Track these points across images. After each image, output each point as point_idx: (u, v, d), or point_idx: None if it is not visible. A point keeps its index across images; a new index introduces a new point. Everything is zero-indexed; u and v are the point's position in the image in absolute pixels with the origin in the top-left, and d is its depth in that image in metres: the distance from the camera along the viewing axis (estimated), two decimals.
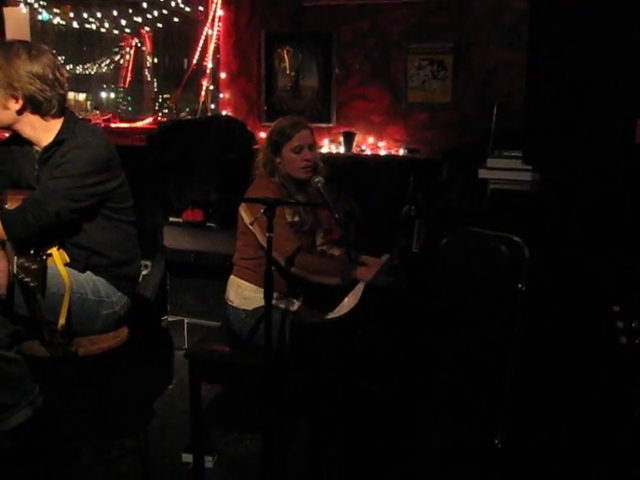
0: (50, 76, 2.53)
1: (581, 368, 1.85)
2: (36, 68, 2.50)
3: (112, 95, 7.55)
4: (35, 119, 2.58)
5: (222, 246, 4.20)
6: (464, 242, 1.73)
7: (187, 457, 3.01)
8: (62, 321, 2.47)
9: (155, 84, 6.84)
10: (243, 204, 2.95)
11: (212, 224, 4.40)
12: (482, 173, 2.31)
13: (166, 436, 3.27)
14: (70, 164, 2.50)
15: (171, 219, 4.47)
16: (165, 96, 6.61)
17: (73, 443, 3.08)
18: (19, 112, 2.54)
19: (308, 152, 2.96)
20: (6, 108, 2.53)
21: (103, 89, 7.35)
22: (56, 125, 2.61)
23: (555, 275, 1.85)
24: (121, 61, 7.18)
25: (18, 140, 2.69)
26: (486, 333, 1.73)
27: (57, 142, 2.58)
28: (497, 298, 1.70)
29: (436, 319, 1.79)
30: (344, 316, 2.12)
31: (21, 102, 2.52)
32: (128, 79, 7.17)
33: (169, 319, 4.44)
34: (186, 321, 4.42)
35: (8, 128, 2.64)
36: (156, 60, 6.68)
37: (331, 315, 2.48)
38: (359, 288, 2.81)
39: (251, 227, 2.90)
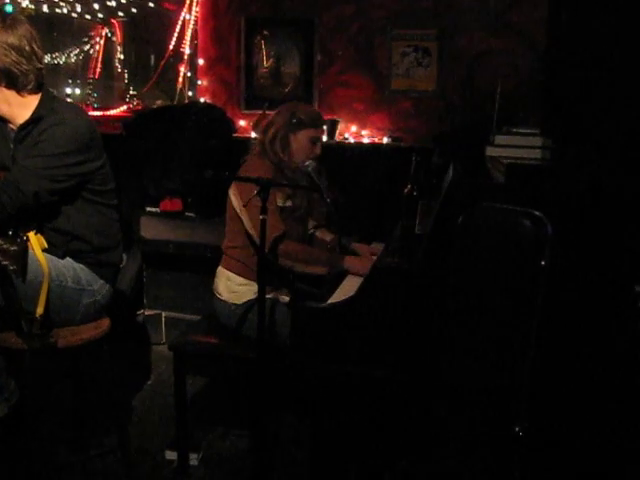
0: (27, 48, 2.37)
1: (603, 350, 1.76)
2: (11, 39, 2.33)
3: (77, 91, 7.23)
4: (10, 94, 2.42)
5: (202, 236, 4.09)
6: (483, 218, 1.63)
7: (171, 454, 2.90)
8: (40, 310, 2.31)
9: (126, 76, 6.60)
10: (233, 187, 2.85)
11: (191, 214, 4.28)
12: (490, 151, 2.23)
13: (147, 433, 3.14)
14: (49, 142, 2.35)
15: (148, 209, 4.34)
16: (132, 93, 6.39)
17: (48, 442, 2.93)
18: None
19: (318, 147, 2.93)
20: None
21: (68, 84, 7.05)
22: (33, 101, 2.45)
23: (574, 252, 1.77)
24: (91, 51, 6.92)
25: None
26: (506, 313, 1.63)
27: (34, 119, 2.42)
28: (519, 276, 1.60)
29: (454, 300, 1.69)
30: (351, 300, 2.00)
31: None
32: (98, 70, 6.92)
33: (146, 313, 4.28)
34: (164, 315, 4.28)
35: None
36: (126, 51, 6.45)
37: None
38: (351, 278, 2.73)
39: (239, 212, 2.79)
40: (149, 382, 3.73)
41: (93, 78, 7.03)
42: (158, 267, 4.26)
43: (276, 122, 2.91)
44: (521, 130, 2.16)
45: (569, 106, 1.91)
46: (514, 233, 1.59)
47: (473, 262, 1.66)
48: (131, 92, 6.39)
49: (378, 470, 1.97)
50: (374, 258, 2.87)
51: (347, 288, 2.52)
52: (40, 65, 2.44)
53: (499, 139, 2.18)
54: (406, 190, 2.59)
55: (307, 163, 2.85)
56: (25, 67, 2.38)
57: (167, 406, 3.38)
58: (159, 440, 3.05)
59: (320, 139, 2.94)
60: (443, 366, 1.74)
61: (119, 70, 6.71)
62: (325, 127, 3.03)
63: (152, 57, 5.78)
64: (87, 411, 3.04)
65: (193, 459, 2.89)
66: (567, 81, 1.99)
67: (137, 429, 3.14)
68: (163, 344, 4.21)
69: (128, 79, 6.54)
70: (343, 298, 2.33)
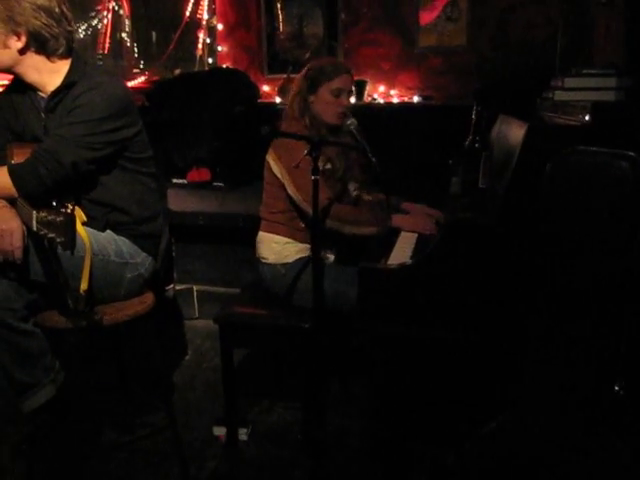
0: (56, 9, 2.23)
1: None
2: (41, 0, 2.19)
3: None
4: (40, 60, 2.28)
5: (232, 206, 3.96)
6: (573, 163, 1.50)
7: (219, 430, 2.80)
8: (84, 286, 2.18)
9: (135, 50, 6.40)
10: (271, 152, 2.71)
11: (220, 183, 4.15)
12: (559, 95, 2.08)
13: (191, 410, 3.05)
14: (85, 108, 2.21)
15: (175, 180, 4.22)
16: (140, 67, 6.20)
17: (94, 423, 2.85)
18: (21, 51, 2.24)
19: (345, 98, 2.75)
20: (6, 47, 2.21)
21: None
22: (64, 67, 2.31)
23: None
24: (99, 26, 6.70)
25: (19, 87, 2.38)
26: (603, 261, 1.50)
27: (67, 85, 2.28)
28: (617, 220, 1.47)
29: (542, 252, 1.56)
30: (426, 258, 1.87)
31: (24, 39, 2.21)
32: (107, 45, 6.71)
33: (177, 287, 4.17)
34: (195, 289, 4.17)
35: (8, 71, 2.32)
36: (134, 24, 6.24)
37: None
38: (404, 236, 2.62)
39: (280, 177, 2.67)
40: (187, 357, 3.65)
41: (102, 53, 6.85)
42: (187, 240, 4.14)
43: (292, 89, 2.79)
44: (594, 71, 2.01)
45: None
46: (610, 176, 1.46)
47: (565, 210, 1.53)
48: (141, 67, 6.22)
49: (452, 438, 1.86)
50: (427, 215, 2.76)
51: (403, 247, 2.41)
52: (70, 28, 2.29)
53: (569, 82, 2.03)
54: (467, 141, 2.44)
55: (349, 122, 2.72)
56: (55, 30, 2.23)
57: (208, 382, 3.30)
58: (204, 416, 2.97)
59: (343, 89, 2.73)
60: (531, 323, 1.61)
61: (128, 44, 6.53)
62: (350, 73, 2.79)
63: (154, 34, 5.59)
64: (130, 390, 2.95)
65: (242, 434, 2.80)
66: None
67: (180, 406, 3.05)
68: (197, 319, 4.12)
69: (138, 53, 6.37)
70: (402, 257, 2.23)
